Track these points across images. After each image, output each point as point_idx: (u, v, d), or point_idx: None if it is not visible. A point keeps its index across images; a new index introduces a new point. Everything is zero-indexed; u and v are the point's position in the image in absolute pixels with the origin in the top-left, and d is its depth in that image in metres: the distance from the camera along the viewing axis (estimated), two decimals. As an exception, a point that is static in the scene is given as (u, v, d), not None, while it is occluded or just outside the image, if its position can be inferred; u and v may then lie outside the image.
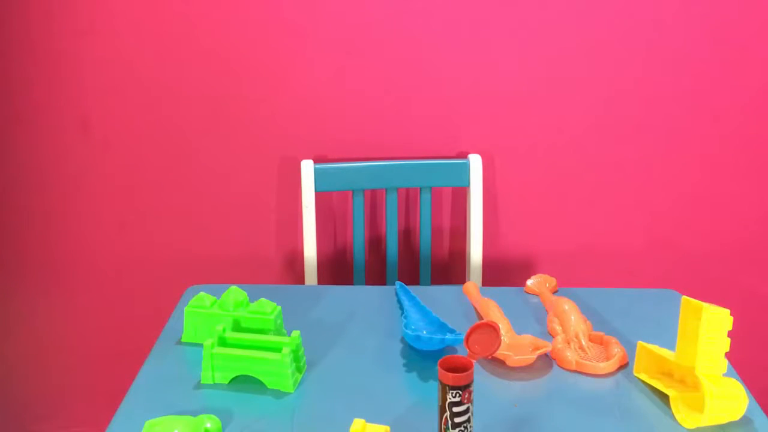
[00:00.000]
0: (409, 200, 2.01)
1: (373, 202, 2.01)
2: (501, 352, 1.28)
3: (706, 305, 1.13)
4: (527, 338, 1.34)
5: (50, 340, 2.13)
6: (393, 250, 1.96)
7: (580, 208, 2.01)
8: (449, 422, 1.04)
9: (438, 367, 1.04)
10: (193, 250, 2.04)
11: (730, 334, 1.14)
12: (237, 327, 1.33)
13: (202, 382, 1.26)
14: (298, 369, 1.27)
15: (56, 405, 2.19)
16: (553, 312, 1.44)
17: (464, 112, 1.94)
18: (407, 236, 2.04)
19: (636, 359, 1.27)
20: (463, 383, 1.02)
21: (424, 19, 1.86)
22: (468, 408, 1.04)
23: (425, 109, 1.93)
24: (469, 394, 1.03)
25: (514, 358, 1.28)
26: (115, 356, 2.08)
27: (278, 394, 1.23)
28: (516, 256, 2.05)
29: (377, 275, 2.05)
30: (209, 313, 1.36)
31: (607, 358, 1.29)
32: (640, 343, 1.27)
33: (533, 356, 1.28)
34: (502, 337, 1.20)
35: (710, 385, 1.12)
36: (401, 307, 1.49)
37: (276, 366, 1.23)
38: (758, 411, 1.18)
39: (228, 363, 1.25)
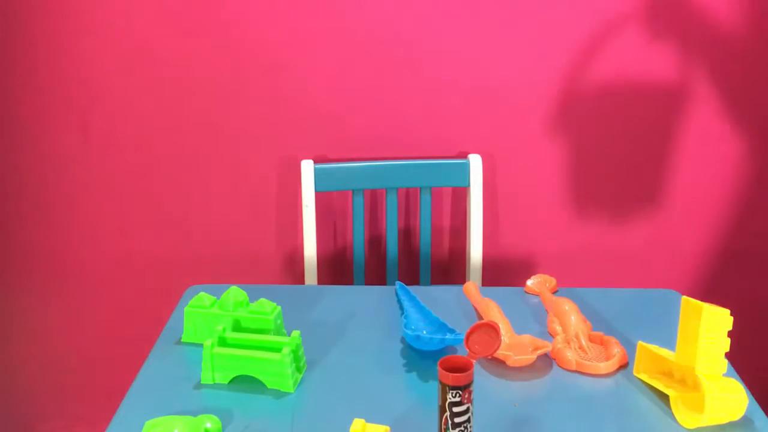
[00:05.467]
0: (409, 200, 2.01)
1: (373, 202, 2.01)
2: (501, 352, 1.28)
3: (706, 305, 1.13)
4: (527, 338, 1.34)
5: (50, 340, 2.13)
6: (393, 250, 1.96)
7: (580, 208, 2.01)
8: (449, 422, 1.04)
9: (438, 367, 1.04)
10: (193, 250, 2.04)
11: (730, 334, 1.14)
12: (237, 327, 1.33)
13: (202, 382, 1.26)
14: (298, 369, 1.27)
15: (56, 405, 2.20)
16: (553, 312, 1.44)
17: (464, 112, 1.94)
18: (407, 236, 2.04)
19: (636, 359, 1.27)
20: (463, 383, 1.02)
21: (425, 18, 1.86)
22: (468, 408, 1.04)
23: (425, 109, 1.93)
24: (469, 394, 1.03)
25: (514, 358, 1.28)
26: (115, 356, 2.08)
27: (278, 394, 1.23)
28: (516, 256, 2.05)
29: (377, 275, 2.05)
30: (209, 313, 1.36)
31: (607, 358, 1.29)
32: (640, 343, 1.27)
33: (533, 356, 1.28)
34: (502, 337, 1.20)
35: (710, 385, 1.12)
36: (401, 307, 1.49)
37: (276, 366, 1.23)
38: (758, 411, 1.18)
39: (228, 363, 1.25)
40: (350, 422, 1.08)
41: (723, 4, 1.84)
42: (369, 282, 2.03)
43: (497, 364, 1.30)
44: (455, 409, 1.03)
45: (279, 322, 1.36)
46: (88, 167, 1.98)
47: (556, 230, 2.03)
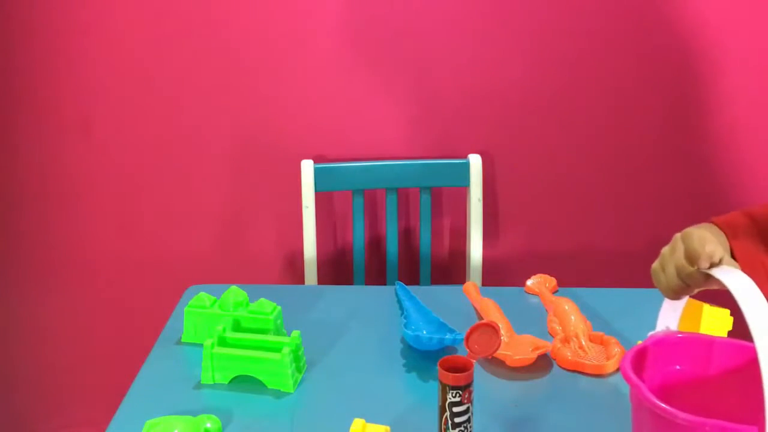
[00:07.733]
0: (409, 200, 2.01)
1: (373, 202, 2.01)
2: (501, 352, 1.28)
3: (706, 305, 1.13)
4: (527, 338, 1.34)
5: (50, 340, 2.13)
6: (393, 250, 1.96)
7: (580, 208, 2.01)
8: (449, 422, 1.04)
9: (438, 367, 1.04)
10: (193, 250, 2.04)
11: (730, 334, 1.14)
12: (237, 327, 1.33)
13: (202, 382, 1.26)
14: (298, 369, 1.27)
15: (56, 405, 2.19)
16: (553, 312, 1.44)
17: (464, 112, 1.94)
18: (407, 236, 2.04)
19: (636, 359, 1.27)
20: (463, 383, 1.02)
21: (424, 18, 1.86)
22: (468, 408, 1.04)
23: (425, 109, 1.93)
24: (469, 394, 1.03)
25: (514, 358, 1.28)
26: (115, 356, 2.08)
27: (278, 394, 1.23)
28: (516, 256, 2.05)
29: (377, 275, 2.05)
30: (209, 313, 1.36)
31: (607, 358, 1.29)
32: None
33: (533, 356, 1.28)
34: (502, 337, 1.19)
35: (710, 385, 1.12)
36: (401, 307, 1.49)
37: (276, 366, 1.23)
38: (758, 411, 1.18)
39: (228, 363, 1.25)
40: (350, 422, 1.08)
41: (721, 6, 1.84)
42: (369, 282, 2.03)
43: (497, 364, 1.30)
44: (455, 409, 1.03)
45: (279, 322, 1.36)
46: (88, 167, 1.98)
47: (556, 230, 2.03)
